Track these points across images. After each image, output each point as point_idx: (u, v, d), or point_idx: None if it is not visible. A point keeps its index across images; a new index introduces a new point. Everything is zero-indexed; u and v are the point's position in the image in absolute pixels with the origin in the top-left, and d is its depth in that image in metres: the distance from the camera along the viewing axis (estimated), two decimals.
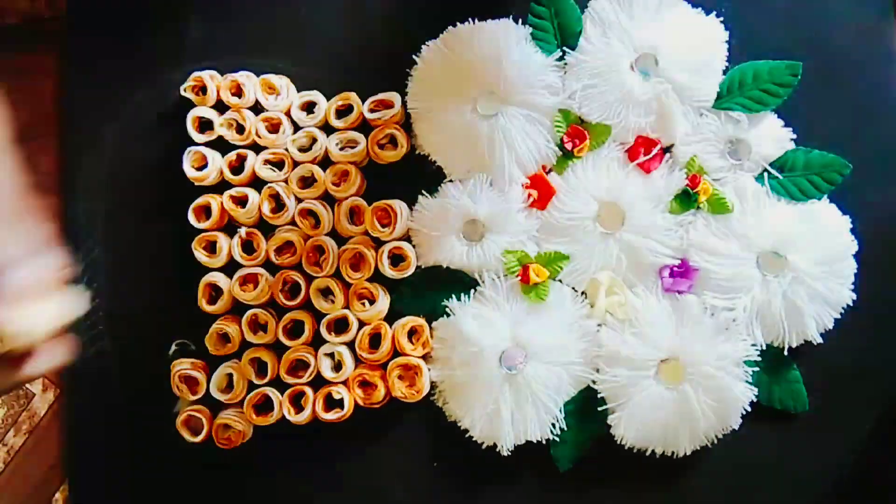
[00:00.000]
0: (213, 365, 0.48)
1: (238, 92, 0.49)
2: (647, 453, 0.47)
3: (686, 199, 0.47)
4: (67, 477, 0.50)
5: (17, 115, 0.48)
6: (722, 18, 0.48)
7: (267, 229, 0.48)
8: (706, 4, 0.48)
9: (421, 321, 0.48)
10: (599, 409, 0.47)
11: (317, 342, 0.48)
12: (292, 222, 0.48)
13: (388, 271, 0.47)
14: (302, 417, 0.47)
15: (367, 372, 0.47)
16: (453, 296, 0.48)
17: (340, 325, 0.48)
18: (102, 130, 0.49)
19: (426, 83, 0.48)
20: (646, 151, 0.47)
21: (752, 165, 0.48)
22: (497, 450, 0.47)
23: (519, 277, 0.47)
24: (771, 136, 0.48)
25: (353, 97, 0.48)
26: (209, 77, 0.49)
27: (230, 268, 0.48)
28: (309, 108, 0.49)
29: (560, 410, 0.47)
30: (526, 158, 0.47)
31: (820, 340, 0.47)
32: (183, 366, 0.47)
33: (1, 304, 0.37)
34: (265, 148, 0.49)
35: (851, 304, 0.47)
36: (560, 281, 0.48)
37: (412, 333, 0.48)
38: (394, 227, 0.47)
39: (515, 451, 0.47)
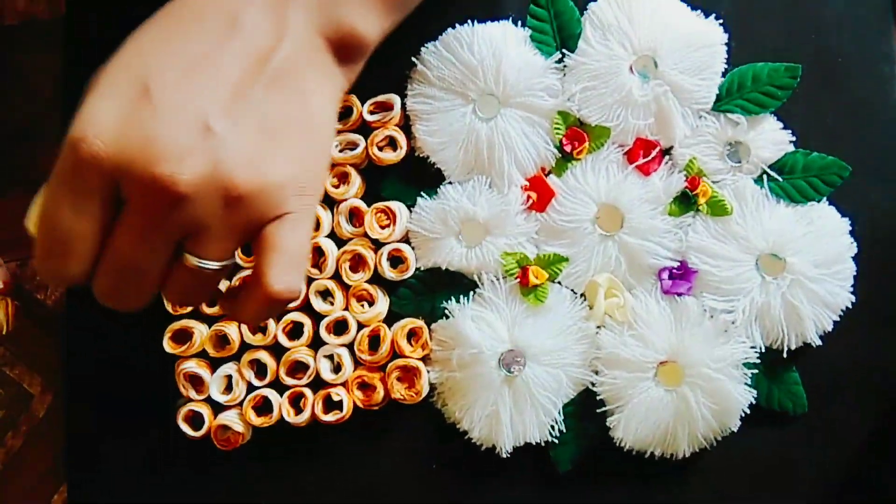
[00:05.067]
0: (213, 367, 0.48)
1: None
2: (647, 455, 0.47)
3: (685, 201, 0.47)
4: (66, 479, 0.50)
5: (16, 116, 0.48)
6: (721, 21, 0.48)
7: None
8: (705, 6, 0.48)
9: (420, 323, 0.48)
10: (598, 411, 0.47)
11: (316, 344, 0.48)
12: None
13: (388, 273, 0.47)
14: (301, 419, 0.47)
15: (366, 374, 0.47)
16: (452, 298, 0.48)
17: (340, 327, 0.48)
18: None
19: (425, 85, 0.48)
20: (645, 153, 0.47)
21: (751, 168, 0.48)
22: (496, 451, 0.47)
23: (518, 279, 0.47)
24: (770, 138, 0.48)
25: (352, 99, 0.48)
26: None
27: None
28: None
29: (559, 412, 0.47)
30: (525, 160, 0.48)
31: (819, 342, 0.47)
32: (188, 364, 0.47)
33: None
34: None
35: (851, 307, 0.47)
36: (559, 283, 0.48)
37: (411, 335, 0.48)
38: (393, 229, 0.47)
39: (515, 453, 0.47)
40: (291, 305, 0.47)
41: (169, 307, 0.48)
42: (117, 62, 0.34)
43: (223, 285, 0.40)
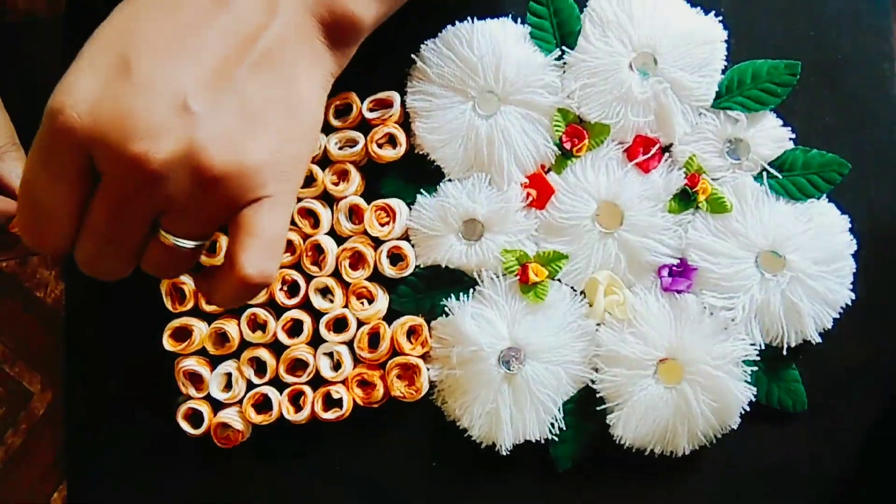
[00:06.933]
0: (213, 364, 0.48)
1: None
2: (646, 453, 0.47)
3: (685, 198, 0.47)
4: (66, 477, 0.50)
5: (16, 114, 0.48)
6: (721, 17, 0.48)
7: None
8: (705, 3, 0.48)
9: (420, 320, 0.48)
10: (598, 408, 0.47)
11: (316, 341, 0.48)
12: (291, 221, 0.48)
13: (387, 271, 0.47)
14: (301, 417, 0.47)
15: (366, 371, 0.47)
16: (452, 295, 0.48)
17: (339, 325, 0.48)
18: None
19: (425, 82, 0.48)
20: (645, 151, 0.47)
21: (751, 165, 0.48)
22: (496, 449, 0.47)
23: (518, 277, 0.47)
24: (770, 135, 0.48)
25: (352, 96, 0.48)
26: None
27: None
28: None
29: (559, 410, 0.47)
30: (525, 158, 0.48)
31: (819, 340, 0.47)
32: (188, 362, 0.47)
33: None
34: None
35: (850, 304, 0.47)
36: (559, 280, 0.48)
37: (411, 333, 0.48)
38: (393, 227, 0.47)
39: (514, 451, 0.47)
40: (289, 303, 0.47)
41: (169, 304, 0.48)
42: (101, 33, 0.33)
43: (207, 257, 0.40)
